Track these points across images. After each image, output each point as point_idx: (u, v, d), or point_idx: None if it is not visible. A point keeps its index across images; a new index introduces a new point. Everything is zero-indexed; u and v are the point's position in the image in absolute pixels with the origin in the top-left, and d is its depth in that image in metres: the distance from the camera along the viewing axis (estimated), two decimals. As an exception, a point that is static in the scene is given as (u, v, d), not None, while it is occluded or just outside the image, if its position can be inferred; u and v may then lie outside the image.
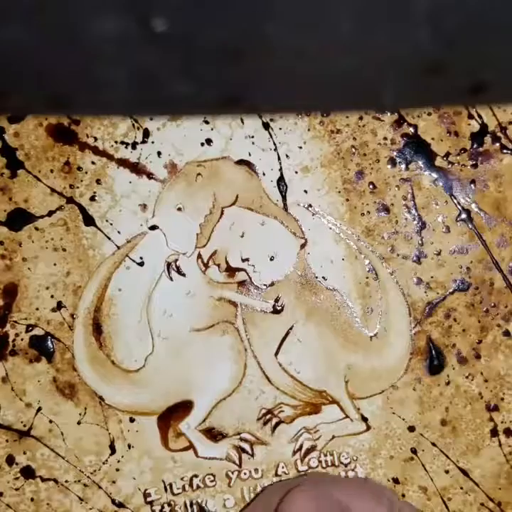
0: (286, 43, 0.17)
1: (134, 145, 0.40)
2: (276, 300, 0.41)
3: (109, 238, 0.40)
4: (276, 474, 0.41)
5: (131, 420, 0.40)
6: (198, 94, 0.20)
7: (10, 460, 0.40)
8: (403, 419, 0.41)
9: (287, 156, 0.40)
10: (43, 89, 0.20)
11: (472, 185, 0.40)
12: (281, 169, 0.40)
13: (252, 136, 0.40)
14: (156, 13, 0.16)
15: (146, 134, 0.40)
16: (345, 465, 0.41)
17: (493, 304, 0.40)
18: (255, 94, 0.20)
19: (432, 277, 0.40)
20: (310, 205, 0.41)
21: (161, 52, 0.17)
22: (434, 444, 0.40)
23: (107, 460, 0.40)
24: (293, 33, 0.17)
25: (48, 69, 0.18)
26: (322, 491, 0.34)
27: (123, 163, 0.40)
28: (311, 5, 0.17)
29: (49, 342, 0.40)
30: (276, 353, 0.41)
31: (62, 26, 0.17)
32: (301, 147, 0.40)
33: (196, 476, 0.41)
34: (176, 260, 0.41)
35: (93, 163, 0.40)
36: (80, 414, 0.40)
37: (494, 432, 0.41)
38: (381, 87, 0.20)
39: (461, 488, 0.40)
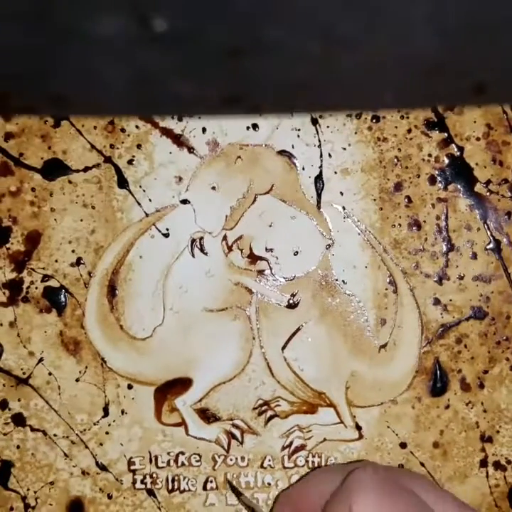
0: (286, 43, 0.17)
1: (180, 116, 0.40)
2: (293, 295, 0.41)
3: (140, 204, 0.40)
4: (261, 466, 0.41)
5: (129, 387, 0.40)
6: (198, 94, 0.20)
7: (3, 404, 0.40)
8: (396, 435, 0.41)
9: (330, 155, 0.40)
10: (43, 89, 0.20)
11: (507, 217, 0.40)
12: (321, 167, 0.40)
13: (299, 129, 0.40)
14: (156, 13, 0.16)
15: (195, 108, 0.40)
16: (331, 469, 0.41)
17: (505, 338, 0.40)
18: (255, 94, 0.20)
19: (450, 300, 0.40)
20: (343, 208, 0.41)
21: (161, 52, 0.17)
22: (422, 464, 0.41)
23: (98, 422, 0.40)
24: (293, 34, 0.17)
25: (48, 69, 0.18)
26: (389, 471, 0.34)
27: (166, 132, 0.40)
28: (311, 5, 0.16)
29: (62, 295, 0.40)
30: (284, 348, 0.41)
31: (63, 26, 0.17)
32: (345, 148, 0.40)
33: (183, 453, 0.41)
34: (201, 238, 0.41)
35: (137, 127, 0.40)
36: (79, 372, 0.40)
37: (484, 463, 0.41)
38: (381, 87, 0.20)
39: None
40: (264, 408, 0.41)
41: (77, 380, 0.40)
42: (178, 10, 0.16)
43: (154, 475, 0.41)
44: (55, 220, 0.40)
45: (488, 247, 0.40)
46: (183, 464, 0.41)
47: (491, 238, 0.40)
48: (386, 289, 0.41)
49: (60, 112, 0.34)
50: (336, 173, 0.40)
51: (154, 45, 0.17)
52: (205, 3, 0.16)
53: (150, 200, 0.40)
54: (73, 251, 0.40)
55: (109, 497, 0.41)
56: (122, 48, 0.17)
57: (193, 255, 0.41)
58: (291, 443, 0.41)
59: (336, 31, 0.17)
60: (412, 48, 0.18)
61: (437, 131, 0.40)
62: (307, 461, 0.41)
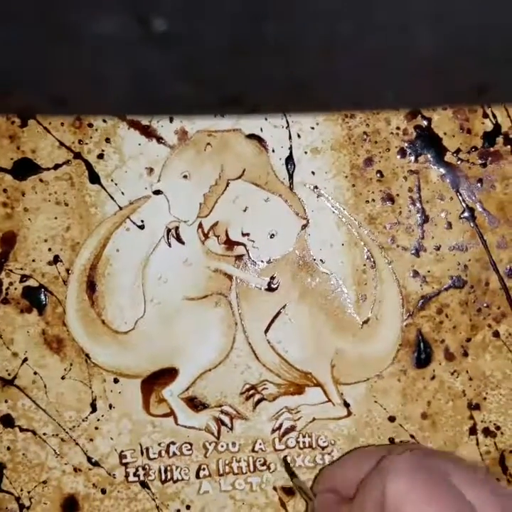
0: (286, 43, 0.17)
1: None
2: (272, 278, 0.41)
3: (113, 198, 0.40)
4: (253, 450, 0.41)
5: (115, 381, 0.40)
6: (198, 94, 0.20)
7: (-10, 407, 0.40)
8: (385, 409, 0.41)
9: (299, 135, 0.40)
10: (43, 89, 0.20)
11: (479, 185, 0.40)
12: (291, 148, 0.40)
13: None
14: (156, 13, 0.16)
15: (161, 97, 0.40)
16: (323, 448, 0.41)
17: (486, 304, 0.41)
18: (255, 94, 0.20)
19: (428, 271, 0.40)
20: (316, 187, 0.41)
21: (161, 52, 0.17)
22: (412, 436, 0.41)
23: (86, 417, 0.40)
24: (293, 33, 0.17)
25: (48, 69, 0.18)
26: (424, 454, 0.34)
27: (134, 124, 0.40)
28: (311, 5, 0.16)
29: (42, 294, 0.40)
30: (266, 331, 0.41)
31: (63, 26, 0.17)
32: (313, 128, 0.40)
33: (174, 443, 0.41)
34: (177, 227, 0.41)
35: (104, 121, 0.40)
36: (64, 370, 0.40)
37: (473, 431, 0.41)
38: (381, 87, 0.20)
39: (435, 482, 0.40)
40: (251, 392, 0.41)
41: (63, 377, 0.40)
42: (178, 10, 0.16)
43: (146, 467, 0.41)
44: (29, 219, 0.40)
45: (462, 215, 0.41)
46: (174, 454, 0.41)
47: (465, 206, 0.40)
48: (364, 265, 0.41)
49: (60, 112, 0.34)
50: (306, 153, 0.41)
51: (154, 45, 0.17)
52: (205, 3, 0.16)
53: (122, 193, 0.40)
54: (50, 249, 0.40)
55: (103, 492, 0.41)
56: (122, 47, 0.17)
57: (169, 245, 0.41)
58: (280, 425, 0.41)
59: (336, 31, 0.17)
60: (412, 47, 0.18)
61: (404, 104, 0.40)
62: (298, 442, 0.41)
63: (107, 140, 0.40)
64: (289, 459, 0.41)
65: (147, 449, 0.41)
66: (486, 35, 0.18)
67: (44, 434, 0.40)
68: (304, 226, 0.41)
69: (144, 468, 0.41)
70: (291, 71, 0.19)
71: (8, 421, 0.40)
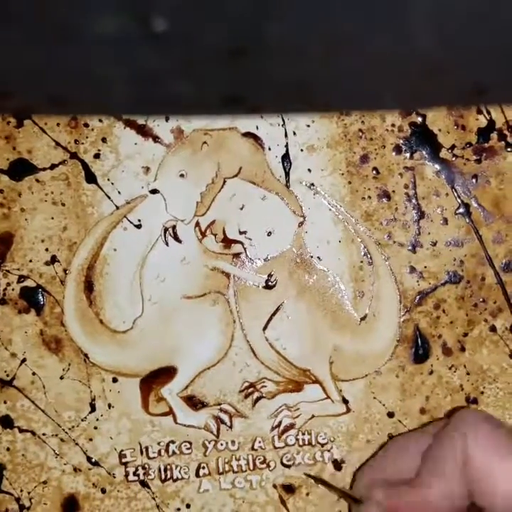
0: (287, 43, 0.17)
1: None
2: (270, 275, 0.41)
3: (109, 197, 0.40)
4: (252, 448, 0.41)
5: (114, 380, 0.40)
6: (198, 94, 0.20)
7: (-11, 408, 0.40)
8: (383, 405, 0.41)
9: (294, 133, 0.41)
10: (43, 89, 0.20)
11: (474, 180, 0.41)
12: (287, 146, 0.41)
13: (262, 110, 0.40)
14: (156, 13, 0.16)
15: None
16: (322, 445, 0.41)
17: (482, 299, 0.41)
18: (255, 94, 0.20)
19: (425, 267, 0.41)
20: (312, 185, 0.41)
21: (161, 52, 0.17)
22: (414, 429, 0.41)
23: (86, 417, 0.40)
24: (293, 33, 0.17)
25: (48, 69, 0.18)
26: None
27: (130, 124, 0.40)
28: (311, 5, 0.17)
29: (40, 295, 0.40)
30: (265, 328, 0.41)
31: (62, 26, 0.17)
32: (309, 126, 0.41)
33: (173, 442, 0.41)
34: (174, 226, 0.41)
35: (100, 121, 0.40)
36: (63, 370, 0.40)
37: (471, 425, 0.41)
38: (381, 87, 0.20)
39: (434, 477, 0.40)
40: (250, 390, 0.41)
41: (62, 377, 0.40)
42: (178, 10, 0.16)
43: (146, 466, 0.41)
44: (26, 220, 0.40)
45: (457, 211, 0.41)
46: (174, 453, 0.41)
47: (460, 202, 0.41)
48: (361, 262, 0.41)
49: (60, 112, 0.34)
50: (302, 150, 0.41)
51: (154, 45, 0.17)
52: (205, 2, 0.16)
53: (119, 192, 0.40)
54: (47, 249, 0.40)
55: (103, 491, 0.41)
56: (122, 47, 0.17)
57: (166, 244, 0.41)
58: (280, 423, 0.41)
59: (336, 31, 0.17)
60: (412, 47, 0.18)
61: (398, 101, 0.41)
62: (297, 440, 0.41)
63: (103, 140, 0.40)
64: (288, 456, 0.41)
65: (146, 448, 0.41)
66: (487, 35, 0.18)
67: (43, 434, 0.40)
68: (301, 224, 0.41)
69: (143, 468, 0.41)
70: (291, 71, 0.19)
71: (7, 422, 0.40)
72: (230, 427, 0.41)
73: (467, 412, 0.32)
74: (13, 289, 0.40)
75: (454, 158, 0.41)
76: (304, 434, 0.41)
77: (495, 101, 0.32)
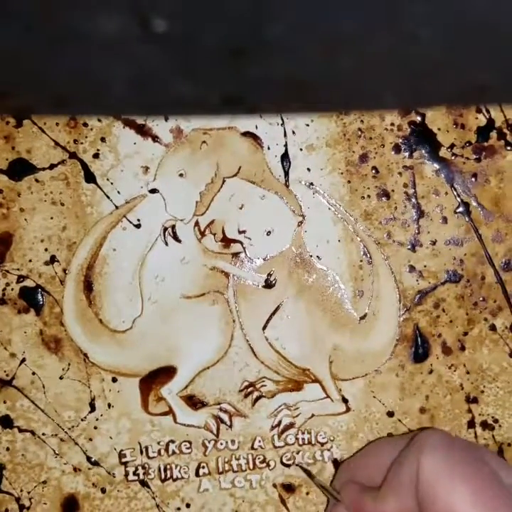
0: (287, 43, 0.17)
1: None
2: (269, 275, 0.41)
3: (109, 197, 0.40)
4: (252, 447, 0.41)
5: (114, 380, 0.40)
6: (198, 94, 0.20)
7: (-11, 408, 0.40)
8: (383, 404, 0.41)
9: (293, 132, 0.41)
10: (43, 89, 0.20)
11: (473, 179, 0.41)
12: (286, 145, 0.41)
13: (261, 110, 0.40)
14: (156, 13, 0.16)
15: (156, 96, 0.40)
16: (322, 444, 0.41)
17: (482, 298, 0.41)
18: (255, 94, 0.20)
19: (425, 266, 0.41)
20: (311, 184, 0.41)
21: (161, 52, 0.17)
22: (411, 431, 0.41)
23: (85, 417, 0.40)
24: (293, 33, 0.17)
25: (48, 69, 0.18)
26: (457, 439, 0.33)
27: (129, 123, 0.40)
28: (311, 5, 0.17)
29: (39, 295, 0.40)
30: (264, 328, 0.41)
31: (62, 26, 0.17)
32: (308, 125, 0.41)
33: (173, 441, 0.41)
34: (173, 226, 0.41)
35: (99, 120, 0.40)
36: (63, 369, 0.40)
37: (471, 424, 0.41)
38: (381, 87, 0.20)
39: (434, 476, 0.40)
40: (250, 390, 0.41)
41: (61, 377, 0.40)
42: (178, 10, 0.16)
43: (146, 465, 0.41)
44: (25, 219, 0.40)
45: (457, 210, 0.41)
46: (173, 453, 0.41)
47: (460, 201, 0.41)
48: (361, 261, 0.41)
49: (60, 112, 0.34)
50: (301, 149, 0.41)
51: (154, 45, 0.17)
52: (205, 3, 0.16)
53: (118, 192, 0.40)
54: (46, 249, 0.40)
55: (103, 491, 0.41)
56: (122, 48, 0.17)
57: (166, 243, 0.41)
58: (279, 422, 0.41)
59: (336, 31, 0.17)
60: (412, 47, 0.18)
61: (398, 100, 0.41)
62: (297, 439, 0.41)
63: (102, 139, 0.40)
64: (288, 455, 0.41)
65: (146, 448, 0.41)
66: (487, 35, 0.18)
67: (43, 434, 0.40)
68: (300, 223, 0.41)
69: (143, 467, 0.41)
70: (291, 71, 0.19)
71: (6, 422, 0.40)
72: (230, 426, 0.41)
73: (428, 434, 0.33)
74: (12, 289, 0.40)
75: (453, 157, 0.41)
76: (303, 433, 0.41)
77: (495, 101, 0.32)
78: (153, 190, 0.41)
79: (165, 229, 0.41)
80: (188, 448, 0.41)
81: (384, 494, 0.33)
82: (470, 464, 0.30)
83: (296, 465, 0.41)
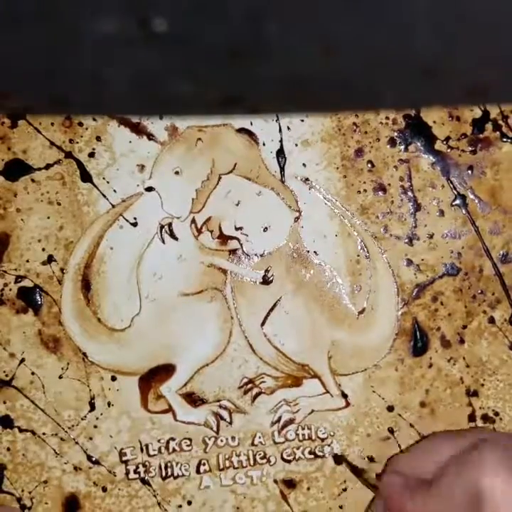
0: (287, 43, 0.17)
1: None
2: (267, 271, 0.41)
3: (105, 196, 0.40)
4: (252, 444, 0.41)
5: (113, 379, 0.40)
6: (198, 94, 0.20)
7: (-11, 408, 0.40)
8: (383, 399, 0.41)
9: (288, 128, 0.41)
10: (43, 89, 0.20)
11: (469, 171, 0.40)
12: (281, 141, 0.41)
13: (255, 106, 0.40)
14: (156, 13, 0.16)
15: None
16: (322, 440, 0.41)
17: (480, 291, 0.41)
18: (255, 94, 0.20)
19: (422, 260, 0.41)
20: (307, 179, 0.41)
21: (161, 52, 0.17)
22: (411, 425, 0.41)
23: (85, 416, 0.40)
24: (293, 33, 0.17)
25: (48, 69, 0.18)
26: None
27: (124, 122, 0.40)
28: (311, 5, 0.16)
29: (37, 295, 0.40)
30: (263, 324, 0.41)
31: (62, 26, 0.17)
32: (303, 120, 0.40)
33: (173, 439, 0.41)
34: (170, 223, 0.41)
35: (94, 119, 0.40)
36: (62, 369, 0.40)
37: (472, 417, 0.41)
38: (381, 87, 0.20)
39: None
40: (249, 386, 0.41)
41: (61, 376, 0.40)
42: (178, 10, 0.16)
43: (147, 464, 0.41)
44: (22, 220, 0.40)
45: (454, 203, 0.41)
46: (174, 450, 0.41)
47: (456, 194, 0.41)
48: (358, 256, 0.41)
49: (60, 112, 0.34)
50: (296, 145, 0.41)
51: (154, 45, 0.17)
52: (205, 3, 0.16)
53: (115, 191, 0.40)
54: (43, 249, 0.40)
55: (104, 490, 0.41)
56: (122, 48, 0.17)
57: (163, 241, 0.41)
58: (279, 418, 0.41)
59: (336, 31, 0.17)
60: (412, 47, 0.18)
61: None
62: (297, 434, 0.41)
63: (98, 138, 0.40)
64: (289, 451, 0.41)
65: (147, 446, 0.41)
66: (486, 35, 0.18)
67: (43, 433, 0.40)
68: (297, 218, 0.41)
69: (144, 465, 0.41)
70: (290, 71, 0.19)
71: (7, 422, 0.40)
72: (230, 423, 0.41)
73: (488, 449, 0.32)
74: (10, 290, 0.40)
75: (449, 150, 0.40)
76: (303, 428, 0.41)
77: (494, 101, 0.32)
78: (150, 188, 0.41)
79: (162, 227, 0.41)
80: (188, 445, 0.41)
81: (430, 499, 0.33)
82: None
83: (340, 460, 0.41)
